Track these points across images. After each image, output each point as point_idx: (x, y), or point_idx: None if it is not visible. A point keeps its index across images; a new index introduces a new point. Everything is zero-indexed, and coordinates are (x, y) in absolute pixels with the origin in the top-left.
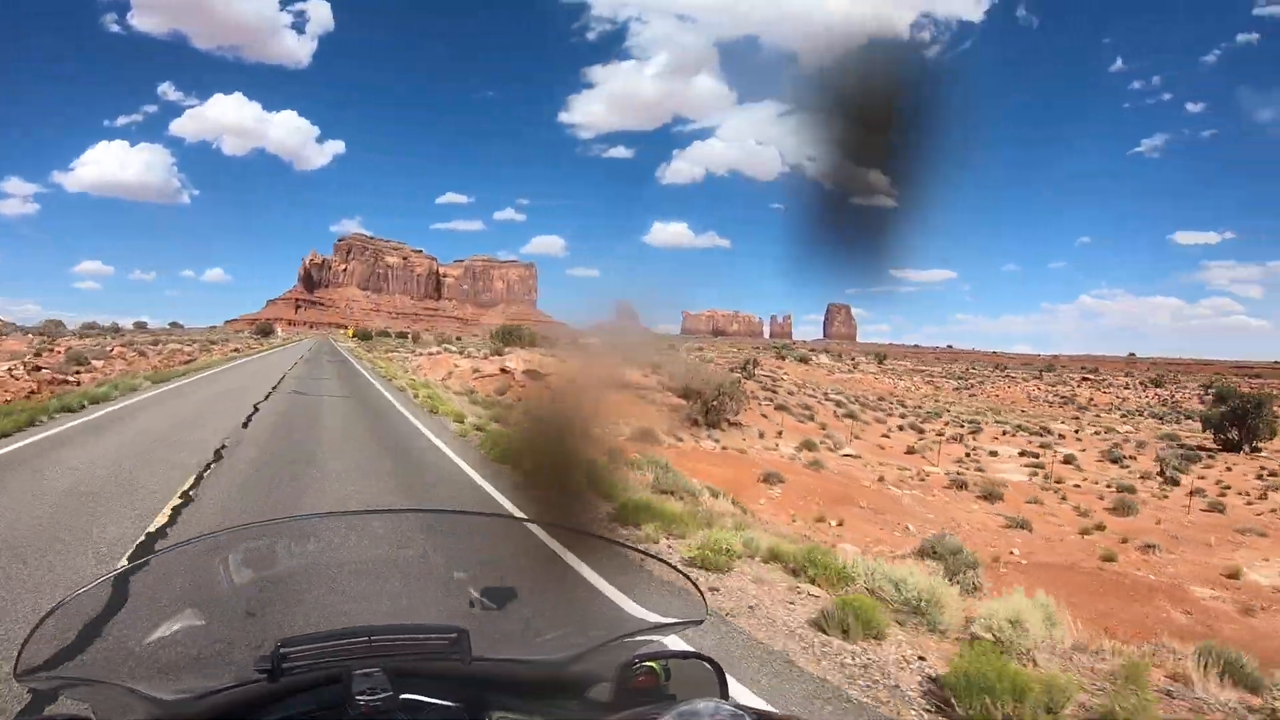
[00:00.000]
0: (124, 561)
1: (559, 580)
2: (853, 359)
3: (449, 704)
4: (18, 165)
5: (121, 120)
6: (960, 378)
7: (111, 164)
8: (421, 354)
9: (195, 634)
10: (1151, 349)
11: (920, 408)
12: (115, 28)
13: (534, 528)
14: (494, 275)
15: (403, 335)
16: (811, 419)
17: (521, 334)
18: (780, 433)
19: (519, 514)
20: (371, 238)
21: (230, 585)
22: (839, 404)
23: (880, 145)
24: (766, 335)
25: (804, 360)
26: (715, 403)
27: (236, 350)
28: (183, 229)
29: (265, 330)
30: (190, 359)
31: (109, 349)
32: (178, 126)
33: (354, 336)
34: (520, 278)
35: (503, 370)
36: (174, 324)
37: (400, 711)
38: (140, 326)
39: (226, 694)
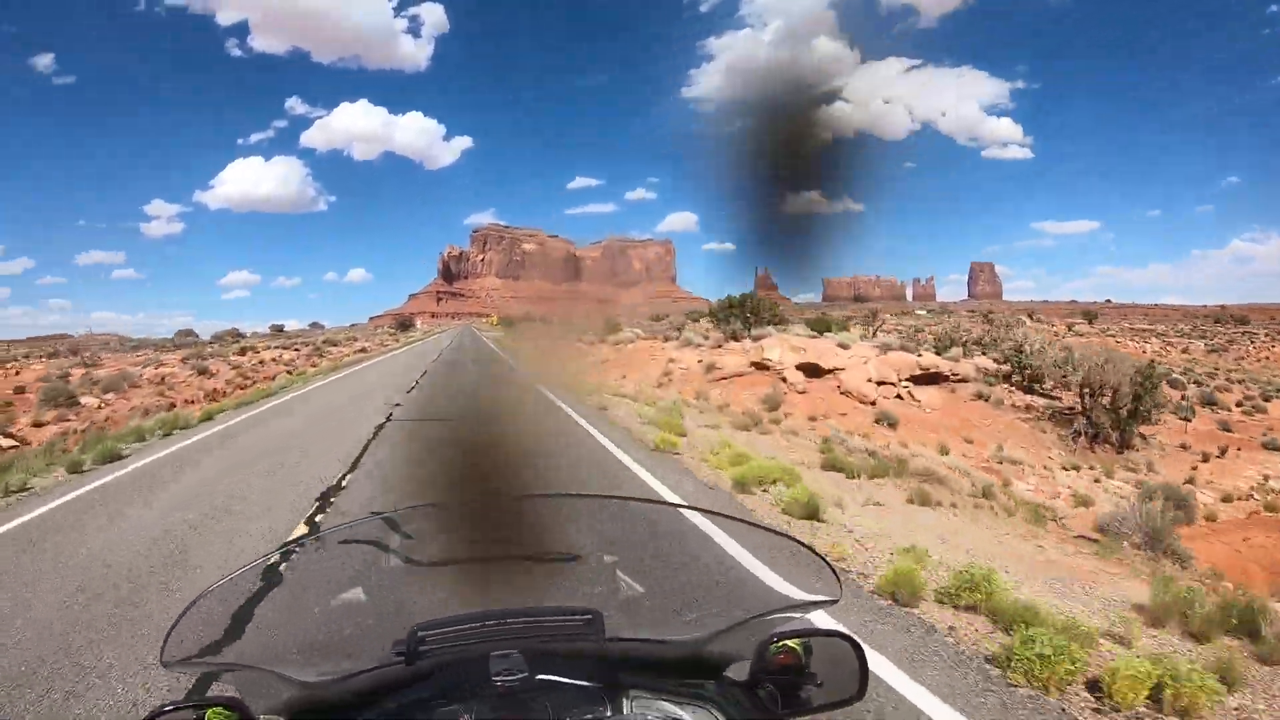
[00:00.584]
0: (265, 553)
1: (700, 562)
2: (1052, 322)
3: (585, 684)
4: (161, 188)
5: (255, 137)
6: (1201, 336)
7: (249, 179)
8: (593, 341)
9: (336, 618)
10: None
11: (1218, 377)
12: (237, 51)
13: (687, 513)
14: (631, 255)
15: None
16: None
17: (762, 306)
18: (1222, 450)
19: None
20: (507, 227)
21: (370, 569)
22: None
23: (1008, 94)
24: (910, 298)
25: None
26: (1130, 406)
27: (364, 350)
28: (322, 234)
29: (404, 324)
30: (268, 379)
31: (140, 374)
32: (308, 138)
33: (499, 324)
34: (658, 256)
35: (759, 365)
36: (314, 324)
37: (537, 691)
38: (277, 330)
39: (366, 676)
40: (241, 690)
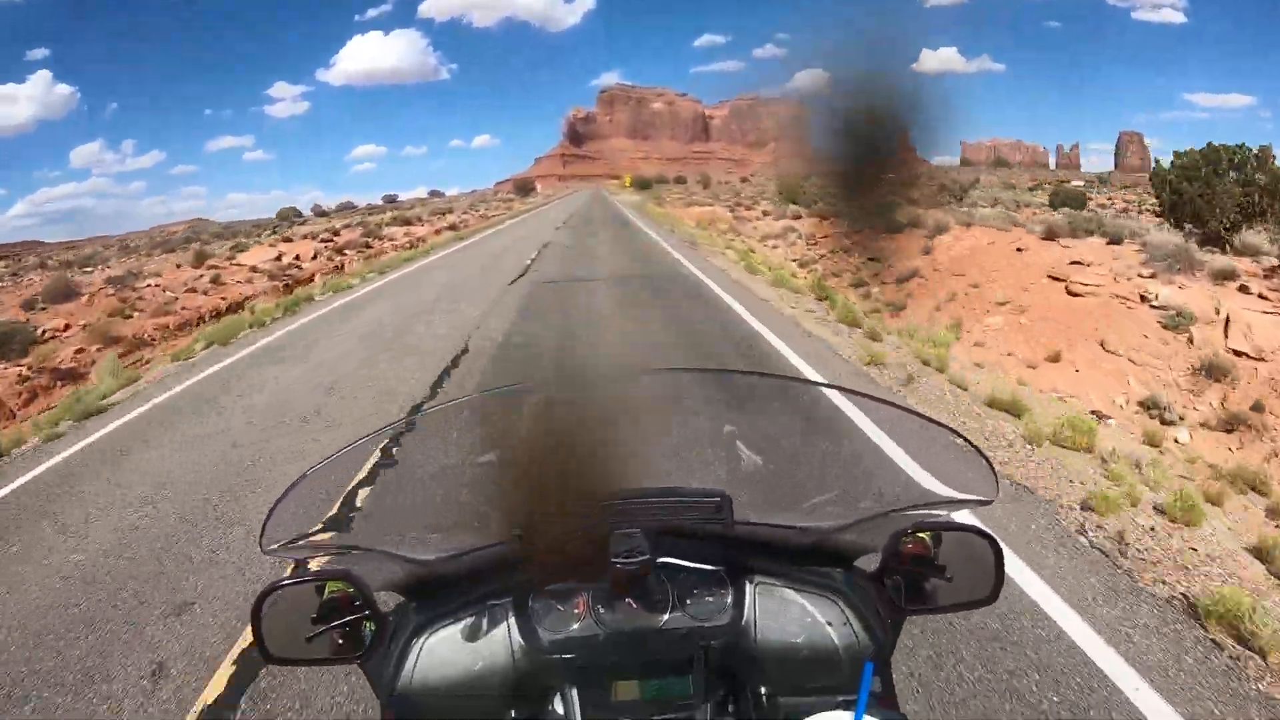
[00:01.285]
0: (370, 432)
1: (840, 445)
2: None
3: (709, 568)
4: (283, 70)
5: (371, 13)
6: None
7: (370, 54)
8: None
9: (452, 497)
10: None
11: None
12: None
13: (829, 391)
14: (762, 113)
15: (682, 180)
16: None
17: None
18: None
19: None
20: (633, 86)
21: (488, 446)
22: None
23: None
24: (1052, 166)
25: None
26: None
27: (456, 227)
28: (446, 103)
29: (524, 188)
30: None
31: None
32: (425, 9)
33: (631, 185)
34: (791, 115)
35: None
36: (434, 192)
37: (658, 573)
38: (390, 200)
39: (485, 552)
40: (356, 571)
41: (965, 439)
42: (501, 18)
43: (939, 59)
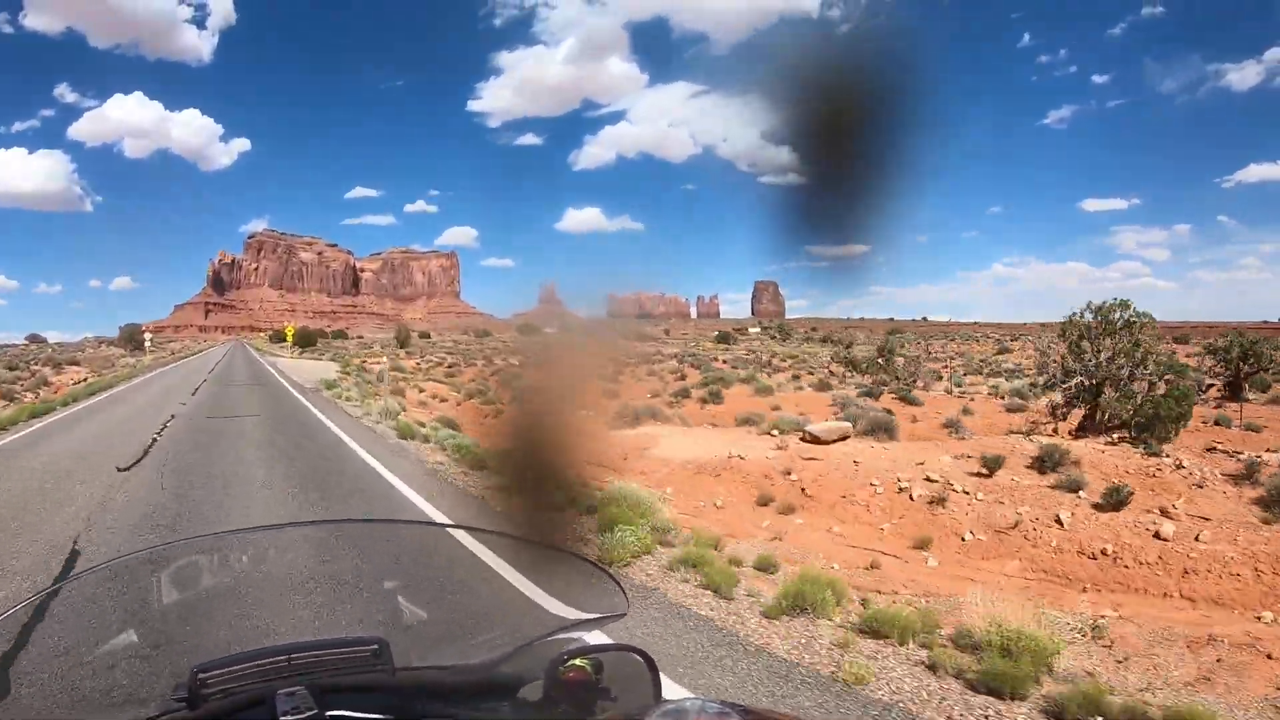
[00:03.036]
0: (26, 596)
1: (482, 583)
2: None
3: (377, 717)
4: None
5: (17, 126)
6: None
7: (9, 172)
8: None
9: (111, 662)
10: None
11: None
12: (7, 28)
13: (456, 533)
14: (413, 267)
15: (342, 335)
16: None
17: None
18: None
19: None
20: (283, 234)
21: (145, 608)
22: None
23: (789, 123)
24: (694, 315)
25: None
26: None
27: None
28: (87, 238)
29: (132, 339)
30: None
31: None
32: (77, 130)
33: (294, 343)
34: (441, 268)
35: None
36: (33, 336)
37: None
38: None
39: None
40: None
41: (593, 562)
42: (155, 149)
43: (583, 218)
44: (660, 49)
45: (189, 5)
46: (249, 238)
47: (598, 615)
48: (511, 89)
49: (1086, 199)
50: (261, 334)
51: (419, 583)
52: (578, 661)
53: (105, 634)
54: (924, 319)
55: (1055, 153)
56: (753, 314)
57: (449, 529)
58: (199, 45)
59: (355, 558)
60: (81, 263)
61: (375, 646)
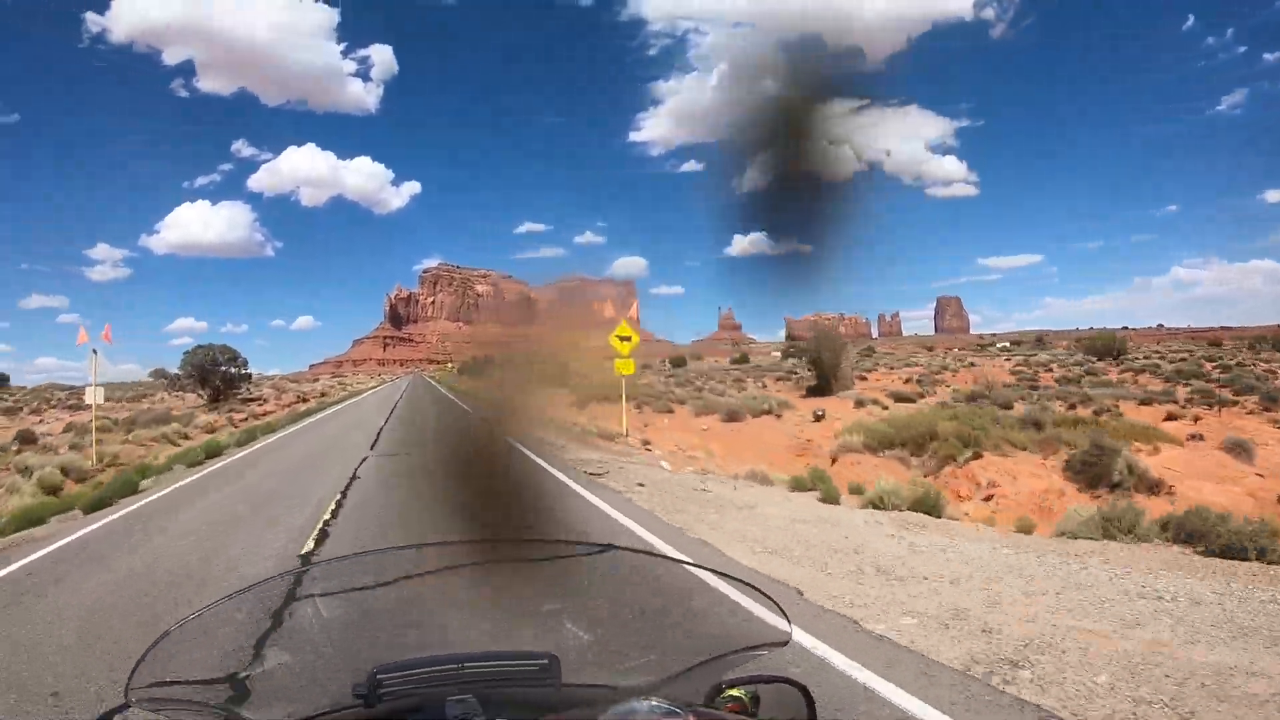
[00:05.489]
0: (232, 591)
1: (648, 606)
2: None
3: None
4: (106, 232)
5: (200, 181)
6: None
7: (195, 224)
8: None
9: (296, 661)
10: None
11: None
12: (184, 93)
13: (625, 554)
14: (589, 295)
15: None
16: None
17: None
18: None
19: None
20: (457, 267)
21: (328, 614)
22: None
23: (955, 132)
24: (875, 334)
25: None
26: None
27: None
28: (270, 281)
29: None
30: None
31: None
32: (255, 181)
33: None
34: (620, 296)
35: None
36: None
37: None
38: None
39: (324, 718)
40: None
41: (756, 587)
42: (330, 196)
43: (749, 242)
44: (815, 67)
45: (353, 60)
46: (424, 271)
47: (758, 643)
48: (670, 118)
49: (1268, 190)
50: (437, 365)
51: (589, 603)
52: (735, 691)
53: (297, 631)
54: (1124, 328)
55: (1231, 140)
56: (936, 330)
57: (620, 550)
58: (364, 96)
59: (532, 576)
60: (265, 304)
61: (545, 661)
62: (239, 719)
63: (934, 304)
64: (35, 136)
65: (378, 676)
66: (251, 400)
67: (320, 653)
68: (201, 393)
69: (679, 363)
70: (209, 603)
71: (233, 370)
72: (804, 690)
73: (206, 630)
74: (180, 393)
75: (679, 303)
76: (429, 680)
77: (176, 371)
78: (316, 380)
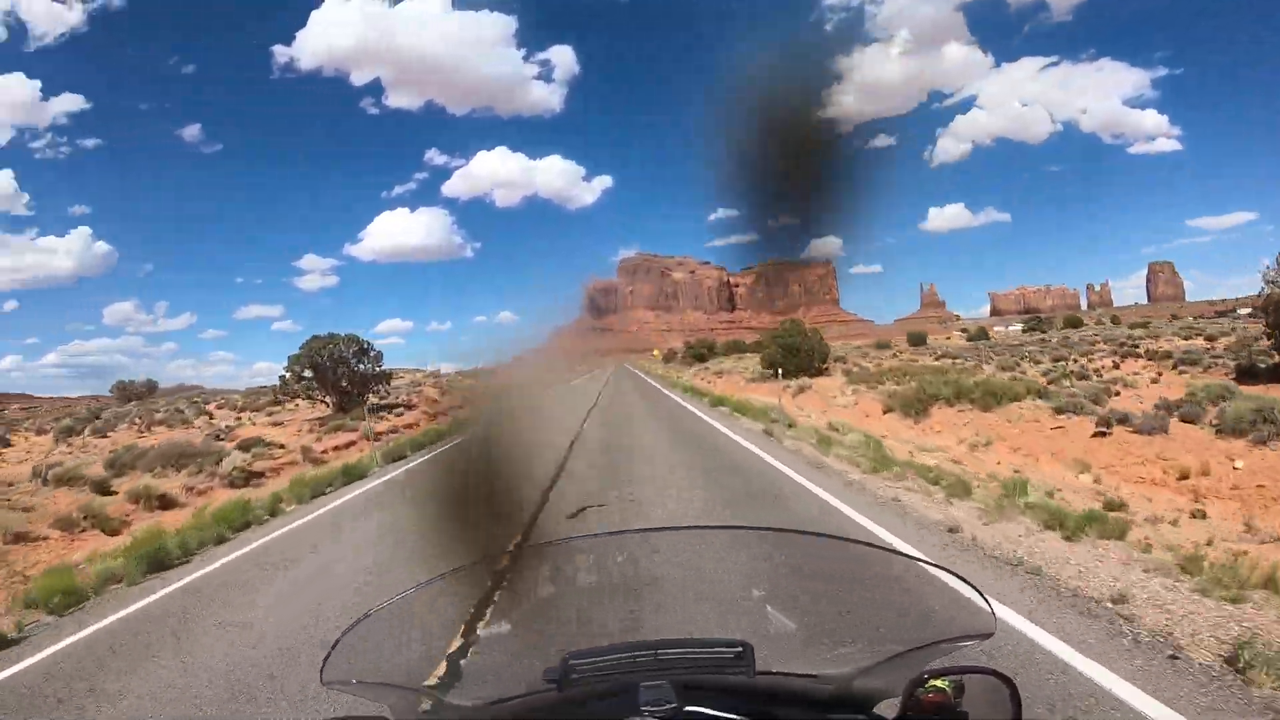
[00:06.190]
0: (429, 578)
1: (853, 595)
2: None
3: (733, 717)
4: (312, 244)
5: (398, 189)
6: None
7: (396, 231)
8: None
9: (489, 644)
10: None
11: None
12: (374, 110)
13: (835, 542)
14: (788, 278)
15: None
16: None
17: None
18: None
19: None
20: (654, 255)
21: (527, 598)
22: None
23: (1149, 83)
24: (1084, 306)
25: None
26: None
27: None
28: (470, 280)
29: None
30: None
31: None
32: (449, 188)
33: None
34: (818, 277)
35: None
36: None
37: None
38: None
39: (518, 701)
40: (393, 710)
41: (963, 578)
42: (523, 196)
43: (945, 216)
44: (998, 25)
45: (535, 64)
46: (621, 261)
47: (962, 634)
48: (855, 92)
49: None
50: (638, 355)
51: (790, 590)
52: (938, 683)
53: (492, 617)
54: None
55: None
56: (1148, 299)
57: (831, 539)
58: (549, 98)
59: (734, 561)
60: (466, 302)
61: (740, 649)
62: (434, 700)
63: (1144, 271)
64: (240, 163)
65: (570, 661)
66: (387, 407)
67: (513, 638)
68: (326, 397)
69: (917, 340)
70: (406, 589)
71: (361, 366)
72: (1010, 683)
73: (403, 615)
74: (294, 398)
75: (879, 281)
76: (622, 666)
77: (283, 371)
78: None
